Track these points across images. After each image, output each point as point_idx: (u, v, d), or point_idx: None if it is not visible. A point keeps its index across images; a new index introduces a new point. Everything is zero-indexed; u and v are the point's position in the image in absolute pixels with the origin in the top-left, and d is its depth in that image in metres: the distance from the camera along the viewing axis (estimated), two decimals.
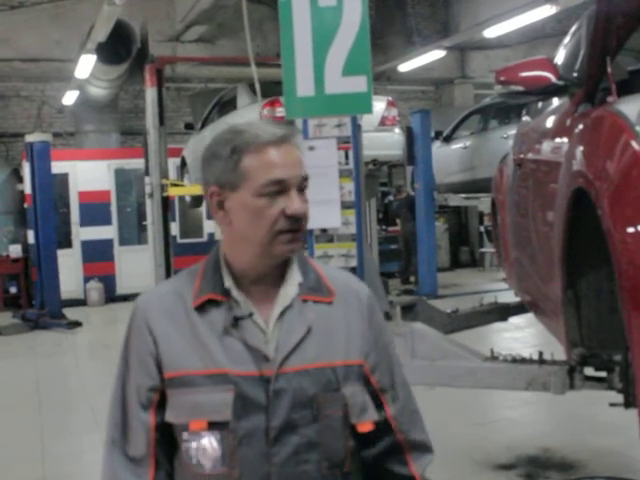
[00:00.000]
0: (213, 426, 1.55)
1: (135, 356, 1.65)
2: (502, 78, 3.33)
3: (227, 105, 10.42)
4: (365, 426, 1.64)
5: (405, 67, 14.34)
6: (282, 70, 3.56)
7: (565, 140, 2.97)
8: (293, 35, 3.49)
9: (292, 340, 1.59)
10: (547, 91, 3.25)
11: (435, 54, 13.35)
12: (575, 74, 3.32)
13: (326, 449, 1.59)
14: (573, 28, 4.07)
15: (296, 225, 1.56)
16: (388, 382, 1.72)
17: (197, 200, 13.00)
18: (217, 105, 10.96)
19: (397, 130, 9.99)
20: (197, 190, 11.96)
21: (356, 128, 3.64)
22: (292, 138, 1.59)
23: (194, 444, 1.57)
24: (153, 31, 12.26)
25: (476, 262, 16.69)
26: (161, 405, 1.62)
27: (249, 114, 9.10)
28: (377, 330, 1.73)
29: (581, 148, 2.52)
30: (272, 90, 8.15)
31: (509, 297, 5.42)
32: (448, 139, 12.49)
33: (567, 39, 4.18)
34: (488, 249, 14.99)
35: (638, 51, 3.22)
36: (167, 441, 1.63)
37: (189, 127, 12.26)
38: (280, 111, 8.06)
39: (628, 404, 2.55)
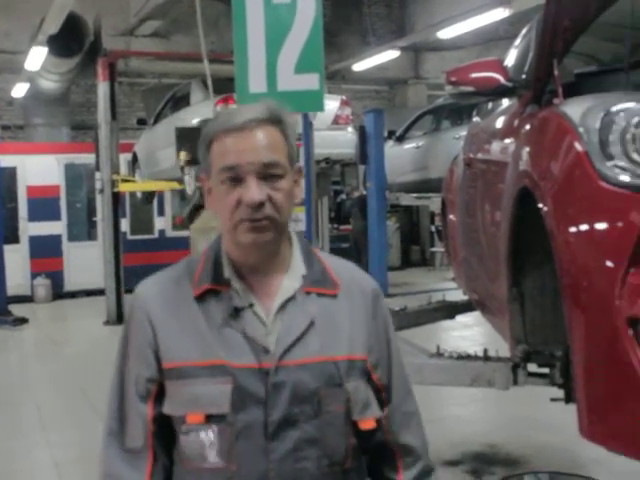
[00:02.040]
0: (211, 419, 1.51)
1: (134, 346, 1.60)
2: (453, 79, 3.37)
3: (181, 101, 10.35)
4: (367, 423, 1.59)
5: (360, 66, 14.40)
6: (234, 66, 3.55)
7: (512, 141, 3.02)
8: (246, 31, 3.49)
9: (293, 333, 1.54)
10: (496, 92, 3.29)
11: (390, 54, 13.43)
12: (524, 76, 3.37)
13: (326, 446, 1.54)
14: (523, 31, 4.14)
15: (257, 214, 1.51)
16: (387, 380, 1.67)
17: (148, 196, 12.90)
18: (170, 101, 10.89)
19: (350, 129, 10.03)
20: (149, 186, 11.89)
21: (308, 126, 3.65)
22: (261, 122, 1.53)
23: (191, 437, 1.53)
24: (106, 25, 12.09)
25: (427, 261, 16.83)
26: (160, 396, 1.57)
27: (202, 110, 9.04)
28: (381, 325, 1.68)
29: (527, 148, 2.56)
30: (226, 87, 8.11)
31: (458, 296, 5.49)
32: (401, 139, 12.58)
33: (517, 42, 4.25)
34: (439, 248, 15.12)
35: (584, 55, 3.28)
36: (165, 433, 1.58)
37: (142, 122, 12.15)
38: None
39: (569, 399, 2.60)
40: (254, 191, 1.50)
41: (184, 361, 1.54)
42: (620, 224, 1.82)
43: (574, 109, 2.16)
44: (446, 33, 11.50)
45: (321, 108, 3.66)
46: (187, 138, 6.31)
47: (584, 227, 1.94)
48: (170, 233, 14.15)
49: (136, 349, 1.60)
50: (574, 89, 2.73)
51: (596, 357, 1.87)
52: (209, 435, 1.51)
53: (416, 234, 17.52)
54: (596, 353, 1.87)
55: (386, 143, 12.58)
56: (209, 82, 4.34)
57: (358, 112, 14.04)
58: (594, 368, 1.89)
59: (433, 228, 15.95)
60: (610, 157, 1.91)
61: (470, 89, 3.32)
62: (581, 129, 2.03)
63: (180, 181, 9.96)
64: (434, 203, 13.12)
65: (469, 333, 8.75)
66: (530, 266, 2.77)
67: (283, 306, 1.57)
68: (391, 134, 12.74)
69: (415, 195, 12.65)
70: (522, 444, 5.10)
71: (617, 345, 1.78)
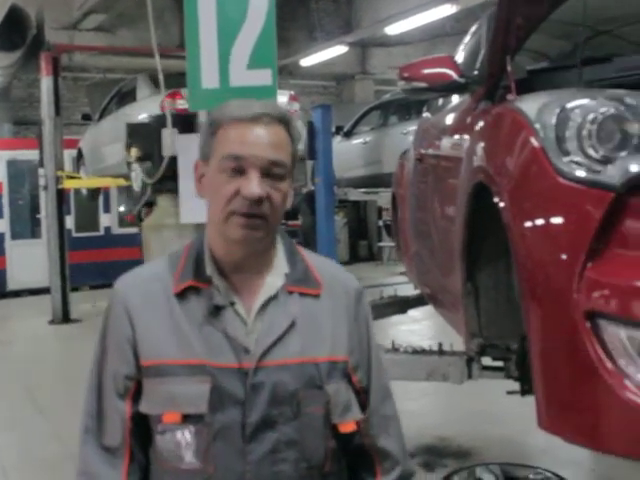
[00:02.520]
0: (188, 419, 1.48)
1: (112, 342, 1.57)
2: (405, 74, 3.39)
3: (126, 96, 10.22)
4: (348, 426, 1.57)
5: (307, 62, 14.38)
6: (186, 61, 3.51)
7: (466, 136, 3.05)
8: (198, 25, 3.44)
9: (274, 333, 1.52)
10: (449, 88, 3.32)
11: (337, 50, 13.45)
12: (476, 72, 3.41)
13: (305, 448, 1.51)
14: (473, 28, 4.18)
15: (253, 209, 1.48)
16: (366, 382, 1.65)
17: (94, 193, 12.71)
18: (116, 96, 10.73)
19: (299, 124, 10.01)
20: (94, 183, 11.71)
21: None
22: (273, 120, 1.51)
23: (168, 437, 1.50)
24: (49, 18, 11.85)
25: (374, 256, 16.93)
26: (138, 394, 1.54)
27: (149, 106, 8.95)
28: (363, 326, 1.66)
29: (482, 144, 2.58)
30: (173, 82, 8.02)
31: (408, 290, 5.53)
32: (349, 134, 12.62)
33: (467, 38, 4.29)
34: (386, 243, 15.23)
35: (535, 51, 3.32)
36: (142, 431, 1.55)
37: (86, 118, 11.95)
38: (181, 103, 7.94)
39: (524, 392, 2.64)
40: (255, 185, 1.47)
41: (163, 359, 1.51)
42: (577, 219, 1.85)
43: (529, 105, 2.18)
44: (394, 29, 11.55)
45: None
46: (139, 134, 6.23)
47: (542, 222, 1.96)
48: (116, 230, 13.98)
49: (114, 345, 1.57)
50: (526, 85, 2.76)
51: (554, 350, 1.90)
52: (186, 435, 1.49)
53: (364, 229, 17.60)
54: (555, 346, 1.90)
55: (334, 138, 12.60)
56: (160, 77, 4.27)
57: (306, 107, 14.03)
58: (552, 361, 1.91)
59: (381, 223, 16.03)
60: (566, 153, 1.93)
61: (422, 85, 3.34)
62: (537, 125, 2.06)
63: (127, 177, 9.83)
64: (382, 198, 13.20)
65: (418, 327, 8.83)
66: (484, 260, 2.80)
67: (265, 305, 1.55)
68: (339, 129, 12.77)
69: (363, 190, 12.70)
70: (472, 436, 5.16)
71: (575, 338, 1.81)
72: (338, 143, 12.52)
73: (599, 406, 1.78)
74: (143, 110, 9.10)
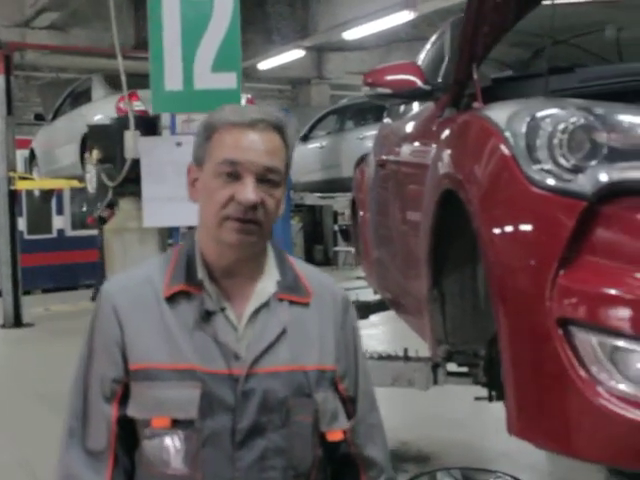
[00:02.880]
0: (177, 424, 1.47)
1: (100, 344, 1.54)
2: (369, 80, 3.39)
3: (81, 96, 10.09)
4: (335, 434, 1.58)
5: (265, 65, 14.37)
6: (149, 63, 3.48)
7: (431, 143, 3.06)
8: (162, 26, 3.41)
9: (265, 340, 1.51)
10: (413, 95, 3.33)
11: (295, 53, 13.47)
12: (440, 79, 3.43)
13: (293, 456, 1.51)
14: (435, 35, 4.21)
15: (247, 215, 1.48)
16: (353, 391, 1.65)
17: (47, 195, 12.51)
18: (70, 96, 10.59)
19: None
20: (47, 184, 11.53)
21: None
22: (268, 126, 1.51)
23: (156, 442, 1.48)
24: (1, 15, 11.67)
25: (330, 261, 16.95)
26: (124, 398, 1.52)
27: (105, 107, 8.85)
28: (350, 335, 1.67)
29: (450, 151, 2.60)
30: (130, 83, 7.93)
31: (368, 295, 5.54)
32: (305, 138, 12.63)
33: (429, 45, 4.32)
34: (342, 248, 15.26)
35: (497, 60, 3.35)
36: (128, 436, 1.52)
37: (39, 118, 11.77)
38: (137, 105, 7.86)
39: (492, 398, 2.66)
40: (251, 191, 1.47)
41: (152, 363, 1.49)
42: (550, 227, 1.87)
43: (499, 114, 2.20)
44: (352, 34, 11.62)
45: None
46: (100, 136, 6.14)
47: (514, 229, 1.98)
48: (70, 233, 13.78)
49: (102, 347, 1.54)
50: (491, 94, 2.78)
51: (527, 357, 1.92)
52: (174, 441, 1.47)
53: (319, 234, 17.62)
54: (527, 353, 1.92)
55: None
56: (123, 78, 4.22)
57: None
58: (524, 368, 1.93)
59: (336, 227, 16.08)
60: (537, 161, 1.95)
61: (387, 91, 3.35)
62: (507, 133, 2.07)
63: (81, 179, 9.69)
64: (338, 203, 13.25)
65: (375, 332, 8.85)
66: (450, 267, 2.81)
67: (256, 312, 1.54)
68: None
69: (319, 195, 12.72)
70: (432, 441, 5.18)
71: (547, 345, 1.83)
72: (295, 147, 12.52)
73: (571, 412, 1.80)
74: (99, 111, 9.00)
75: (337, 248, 16.22)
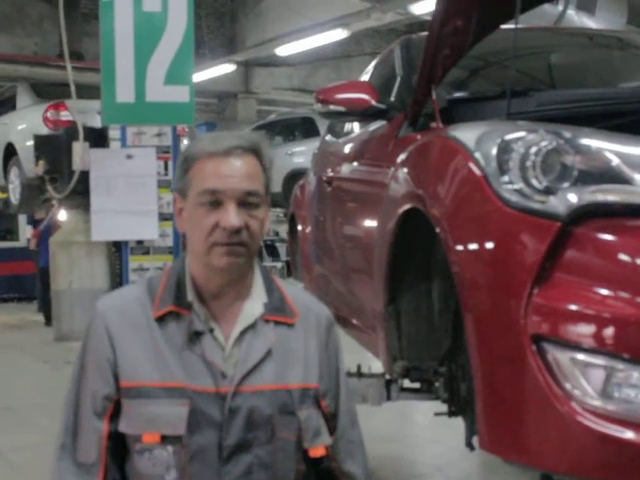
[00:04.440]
0: (166, 440, 1.52)
1: (92, 362, 1.60)
2: (321, 97, 3.43)
3: (4, 105, 9.84)
4: (318, 450, 1.64)
5: (195, 78, 14.28)
6: (101, 74, 3.42)
7: (387, 162, 3.10)
8: (114, 38, 3.36)
9: (252, 360, 1.58)
10: (367, 113, 3.38)
11: (225, 68, 13.45)
12: (393, 99, 3.48)
13: (277, 471, 1.57)
14: (379, 58, 4.28)
15: (233, 239, 1.54)
16: (335, 408, 1.72)
17: None
18: None
19: (186, 141, 9.92)
20: None
21: (176, 138, 3.58)
22: (245, 151, 1.57)
23: (146, 456, 1.53)
24: None
25: None
26: (115, 414, 1.57)
27: (30, 115, 8.65)
28: (333, 354, 1.73)
29: (413, 171, 2.64)
30: (53, 92, 7.79)
31: None
32: None
33: (373, 64, 4.38)
34: (268, 263, 15.24)
35: (450, 82, 3.42)
36: (118, 449, 1.57)
37: None
38: (65, 115, 7.72)
39: (452, 413, 2.70)
40: (234, 217, 1.54)
41: (143, 381, 1.55)
42: (525, 246, 1.92)
43: (466, 135, 2.25)
44: (285, 50, 11.67)
45: (190, 120, 3.62)
46: (47, 147, 5.99)
47: (488, 248, 2.02)
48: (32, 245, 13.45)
49: (94, 365, 1.59)
50: (447, 114, 2.85)
51: (500, 373, 1.96)
52: (164, 455, 1.53)
53: None
54: (500, 369, 1.96)
55: None
56: (72, 88, 4.14)
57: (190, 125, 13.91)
58: (497, 383, 1.97)
59: (262, 243, 16.05)
60: (509, 182, 2.00)
61: (340, 109, 3.38)
62: (477, 154, 2.12)
63: (3, 190, 9.46)
64: None
65: None
66: (406, 284, 2.85)
67: (243, 332, 1.60)
68: None
69: None
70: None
71: (522, 361, 1.87)
72: None
73: (545, 428, 1.84)
74: (23, 120, 8.79)
75: (263, 263, 16.17)
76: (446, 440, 4.89)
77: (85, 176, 3.85)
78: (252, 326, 1.62)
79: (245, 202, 1.56)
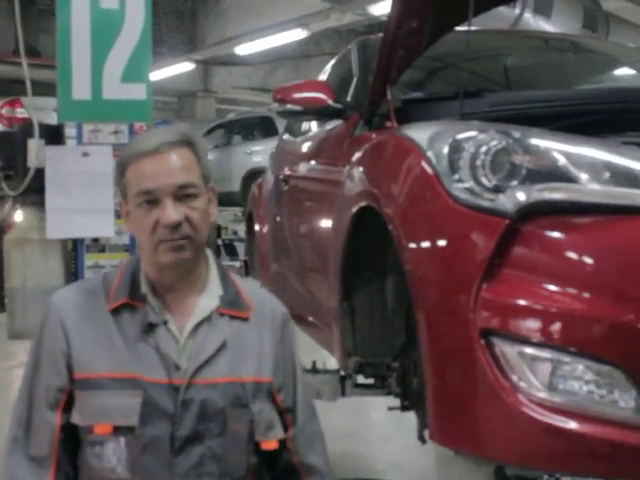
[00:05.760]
0: (118, 431, 1.53)
1: (46, 354, 1.60)
2: (278, 96, 3.45)
3: None
4: (270, 444, 1.66)
5: (154, 77, 14.18)
6: (56, 71, 3.40)
7: (343, 160, 3.13)
8: (70, 35, 3.35)
9: (205, 353, 1.59)
10: (323, 112, 3.41)
11: (184, 66, 13.38)
12: (349, 98, 3.52)
13: (228, 464, 1.59)
14: (337, 58, 4.31)
15: (176, 234, 1.56)
16: (291, 402, 1.75)
17: None
18: None
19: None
20: None
21: (133, 136, 3.57)
22: (174, 145, 1.59)
23: (98, 448, 1.54)
24: None
25: None
26: (68, 406, 1.58)
27: None
28: (288, 349, 1.76)
29: (367, 169, 2.67)
30: (8, 89, 7.69)
31: None
32: None
33: (331, 64, 4.41)
34: (226, 262, 15.19)
35: (404, 84, 3.47)
36: (71, 442, 1.58)
37: None
38: (21, 112, 7.63)
39: (404, 408, 2.74)
40: (171, 212, 1.56)
41: (96, 372, 1.56)
42: (474, 243, 1.96)
43: (419, 134, 2.29)
44: (244, 49, 11.66)
45: (148, 118, 3.61)
46: (1, 143, 5.91)
47: (438, 246, 2.07)
48: None
49: (48, 358, 1.60)
50: (401, 114, 2.89)
51: (450, 367, 2.00)
52: (115, 447, 1.54)
53: None
54: (450, 363, 2.00)
55: None
56: (28, 84, 4.10)
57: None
58: (447, 377, 2.01)
59: (220, 242, 15.97)
60: (460, 180, 2.05)
61: (297, 108, 3.41)
62: (429, 153, 2.16)
63: None
64: (222, 217, 13.20)
65: None
66: (360, 281, 2.89)
67: (197, 325, 1.62)
68: None
69: None
70: None
71: (471, 354, 1.92)
72: None
73: (494, 419, 1.89)
74: None
75: (221, 262, 16.12)
76: (403, 437, 4.94)
77: (40, 173, 3.84)
78: (207, 319, 1.64)
79: (182, 195, 1.58)
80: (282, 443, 1.72)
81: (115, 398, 1.54)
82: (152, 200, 1.57)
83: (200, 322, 1.64)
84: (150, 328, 1.60)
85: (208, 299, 1.67)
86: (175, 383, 1.56)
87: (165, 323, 1.61)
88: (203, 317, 1.64)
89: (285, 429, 1.74)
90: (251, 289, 1.79)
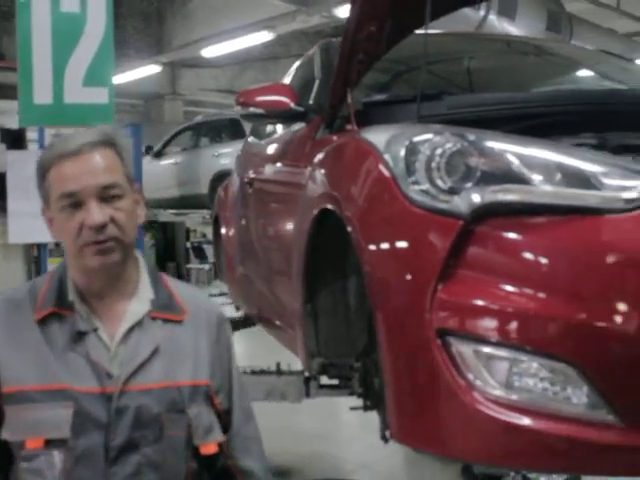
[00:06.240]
0: (51, 444, 1.48)
1: None
2: (241, 100, 3.46)
3: None
4: (209, 448, 1.63)
5: (119, 79, 14.10)
6: (17, 74, 3.39)
7: (304, 163, 3.15)
8: (31, 39, 3.34)
9: (138, 358, 1.56)
10: (286, 115, 3.42)
11: (151, 69, 13.31)
12: (311, 101, 3.54)
13: (167, 470, 1.56)
14: (304, 57, 4.33)
15: (101, 236, 1.52)
16: (227, 405, 1.72)
17: None
18: None
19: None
20: None
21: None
22: (95, 145, 1.55)
23: (30, 463, 1.49)
24: None
25: (183, 278, 16.72)
26: None
27: None
28: (224, 351, 1.73)
29: (327, 172, 2.70)
30: None
31: (230, 312, 5.55)
32: (159, 154, 12.49)
33: (295, 67, 4.43)
34: (195, 265, 15.15)
35: (366, 86, 3.49)
36: (3, 458, 1.53)
37: None
38: None
39: (367, 408, 2.77)
40: (96, 213, 1.52)
41: (24, 385, 1.51)
42: (429, 244, 1.99)
43: (377, 137, 2.32)
44: (211, 51, 11.63)
45: (110, 122, 3.60)
46: None
47: (395, 247, 2.09)
48: None
49: None
50: (362, 117, 2.91)
51: (408, 366, 2.03)
52: (49, 460, 1.49)
53: (172, 251, 17.34)
54: (408, 363, 2.03)
55: (144, 158, 12.40)
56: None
57: (117, 126, 13.70)
58: (405, 376, 2.04)
59: (189, 245, 15.92)
60: (416, 182, 2.07)
61: (260, 111, 3.42)
62: (386, 155, 2.19)
63: None
64: (190, 219, 13.16)
65: (243, 348, 8.84)
66: (322, 283, 2.91)
67: (129, 331, 1.58)
68: (148, 149, 12.62)
69: (173, 211, 12.62)
70: (291, 456, 5.24)
71: (428, 354, 1.94)
72: (148, 163, 12.34)
73: (451, 418, 1.92)
74: None
75: (190, 265, 16.07)
76: (372, 437, 4.98)
77: (2, 178, 3.81)
78: (138, 324, 1.60)
79: (106, 196, 1.54)
80: (221, 447, 1.70)
81: (45, 411, 1.49)
82: (76, 203, 1.53)
83: (131, 327, 1.59)
84: (79, 336, 1.55)
85: (139, 303, 1.62)
86: (107, 391, 1.52)
87: (95, 330, 1.56)
88: (134, 322, 1.59)
89: (224, 431, 1.71)
90: (185, 292, 1.74)
